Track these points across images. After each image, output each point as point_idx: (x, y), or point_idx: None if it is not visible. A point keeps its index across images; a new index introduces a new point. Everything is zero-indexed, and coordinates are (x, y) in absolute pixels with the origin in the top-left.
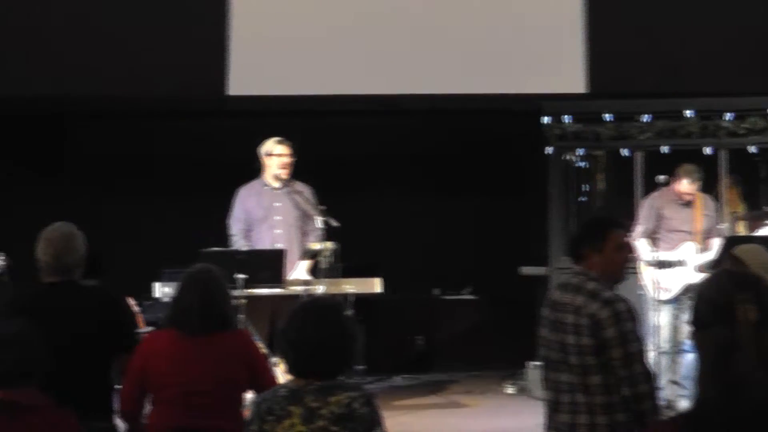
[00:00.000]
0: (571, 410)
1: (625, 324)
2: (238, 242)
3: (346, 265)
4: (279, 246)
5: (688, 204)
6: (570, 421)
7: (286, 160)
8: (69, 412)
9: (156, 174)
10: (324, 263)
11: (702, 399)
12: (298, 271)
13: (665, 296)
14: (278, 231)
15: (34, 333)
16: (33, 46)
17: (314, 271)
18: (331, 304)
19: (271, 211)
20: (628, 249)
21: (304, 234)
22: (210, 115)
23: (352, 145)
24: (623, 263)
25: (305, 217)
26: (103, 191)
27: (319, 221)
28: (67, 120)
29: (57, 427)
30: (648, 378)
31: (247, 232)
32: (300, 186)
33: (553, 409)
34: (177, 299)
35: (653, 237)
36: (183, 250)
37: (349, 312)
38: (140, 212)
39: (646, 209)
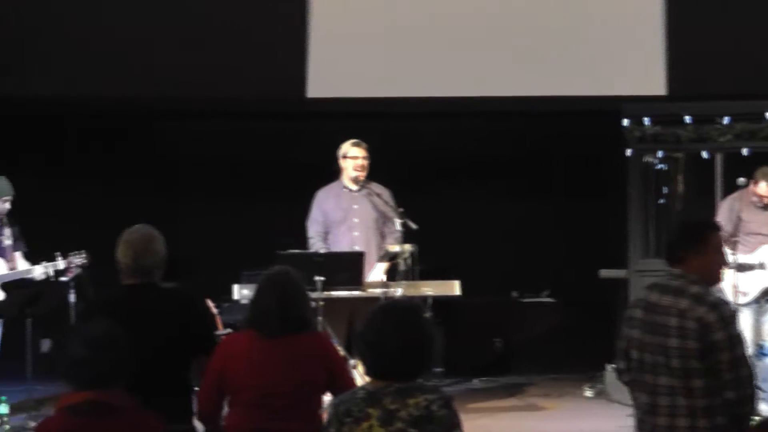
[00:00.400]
0: (671, 413)
1: (731, 327)
2: (316, 244)
3: (424, 267)
4: (357, 248)
5: (766, 207)
6: (669, 424)
7: (361, 162)
8: (152, 414)
9: (235, 176)
10: (402, 265)
11: None
12: (375, 272)
13: (743, 300)
14: (356, 233)
15: (123, 334)
16: (122, 48)
17: (392, 273)
18: (411, 306)
19: (350, 214)
20: (724, 251)
21: (382, 236)
22: (290, 117)
23: (431, 147)
24: (721, 265)
25: (383, 220)
26: (182, 193)
27: (397, 223)
28: (150, 122)
29: (140, 429)
30: (752, 381)
31: (325, 235)
32: (378, 188)
33: (649, 412)
34: (255, 301)
35: (732, 240)
36: (262, 252)
37: (428, 314)
38: (219, 214)
39: (724, 212)
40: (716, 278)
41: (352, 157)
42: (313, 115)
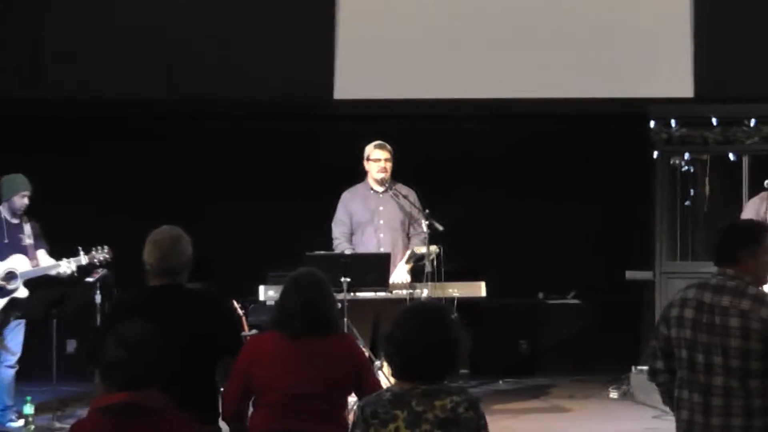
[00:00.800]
0: (726, 413)
1: None
2: (342, 245)
3: (449, 268)
4: (383, 250)
5: None
6: (723, 423)
7: (383, 164)
8: (189, 416)
9: (262, 177)
10: (428, 267)
11: None
12: (398, 273)
13: None
14: (382, 235)
15: (159, 336)
16: (148, 48)
17: (418, 274)
18: (438, 307)
19: (376, 215)
20: None
21: (408, 238)
22: (317, 118)
23: (457, 148)
24: None
25: (409, 221)
26: (208, 193)
27: (423, 225)
28: (177, 123)
29: (176, 430)
30: None
31: (350, 236)
32: (404, 189)
33: (701, 412)
34: (281, 302)
35: None
36: (288, 253)
37: (455, 316)
38: (246, 215)
39: (750, 213)
40: (764, 280)
41: (375, 159)
42: (339, 116)
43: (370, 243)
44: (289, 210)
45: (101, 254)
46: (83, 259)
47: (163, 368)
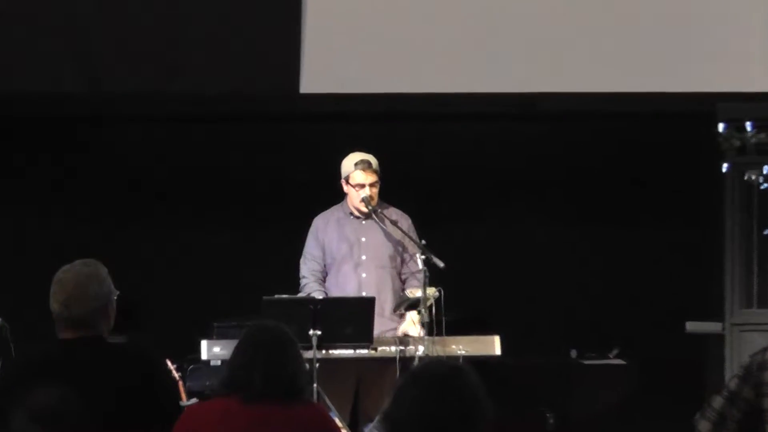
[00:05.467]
0: None
1: None
2: (309, 286)
3: (452, 317)
4: (365, 294)
5: None
6: None
7: (369, 191)
8: None
9: (208, 197)
10: (425, 316)
11: None
12: (407, 325)
13: None
14: (364, 274)
15: (77, 402)
16: (55, 31)
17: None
18: (452, 368)
19: (356, 248)
20: None
21: (400, 278)
22: (279, 119)
23: (460, 158)
24: None
25: (401, 256)
26: (137, 218)
27: (419, 260)
28: (94, 126)
29: None
30: None
31: (323, 275)
32: (395, 214)
33: None
34: (233, 362)
35: None
36: (240, 297)
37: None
38: (186, 246)
39: None
40: None
41: (357, 185)
42: (308, 116)
43: (348, 284)
44: (243, 239)
45: None
46: None
47: None
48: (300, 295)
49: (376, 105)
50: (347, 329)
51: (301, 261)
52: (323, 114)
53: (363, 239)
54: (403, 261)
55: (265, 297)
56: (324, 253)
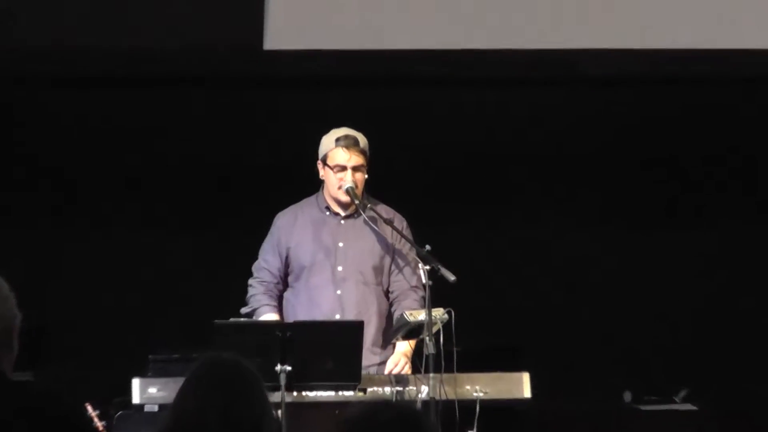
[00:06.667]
0: None
1: None
2: (255, 299)
3: (467, 348)
4: (340, 317)
5: None
6: None
7: (351, 174)
8: None
9: (144, 186)
10: (430, 347)
11: None
12: (397, 357)
13: None
14: (339, 291)
15: None
16: None
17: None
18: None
19: (333, 255)
20: None
21: (387, 296)
22: (237, 81)
23: (475, 135)
24: None
25: (393, 266)
26: (49, 216)
27: (421, 272)
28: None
29: None
30: None
31: (280, 287)
32: (385, 211)
33: None
34: (179, 407)
35: None
36: (184, 320)
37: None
38: (111, 253)
39: None
40: None
41: (336, 166)
42: (273, 79)
43: (321, 303)
44: (188, 243)
45: None
46: None
47: None
48: (244, 310)
49: (362, 66)
50: (327, 363)
51: (254, 266)
52: (292, 77)
53: (340, 244)
54: (391, 272)
55: (216, 320)
56: (284, 263)
